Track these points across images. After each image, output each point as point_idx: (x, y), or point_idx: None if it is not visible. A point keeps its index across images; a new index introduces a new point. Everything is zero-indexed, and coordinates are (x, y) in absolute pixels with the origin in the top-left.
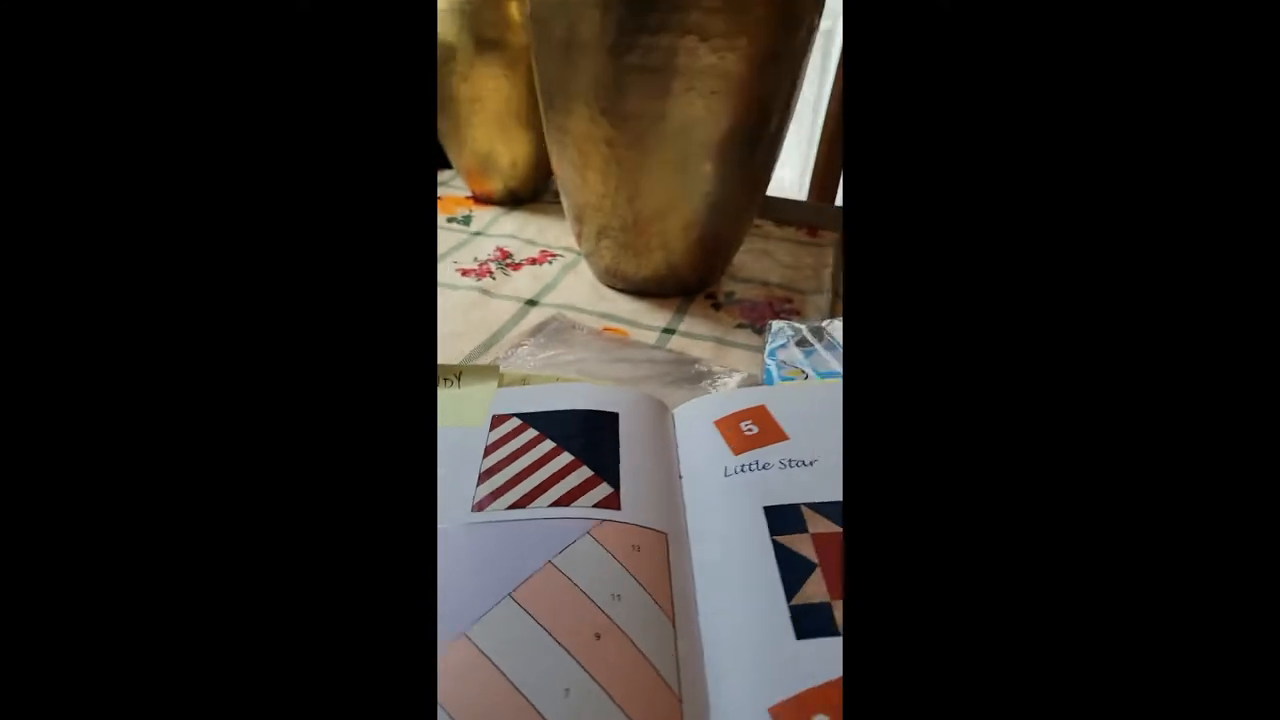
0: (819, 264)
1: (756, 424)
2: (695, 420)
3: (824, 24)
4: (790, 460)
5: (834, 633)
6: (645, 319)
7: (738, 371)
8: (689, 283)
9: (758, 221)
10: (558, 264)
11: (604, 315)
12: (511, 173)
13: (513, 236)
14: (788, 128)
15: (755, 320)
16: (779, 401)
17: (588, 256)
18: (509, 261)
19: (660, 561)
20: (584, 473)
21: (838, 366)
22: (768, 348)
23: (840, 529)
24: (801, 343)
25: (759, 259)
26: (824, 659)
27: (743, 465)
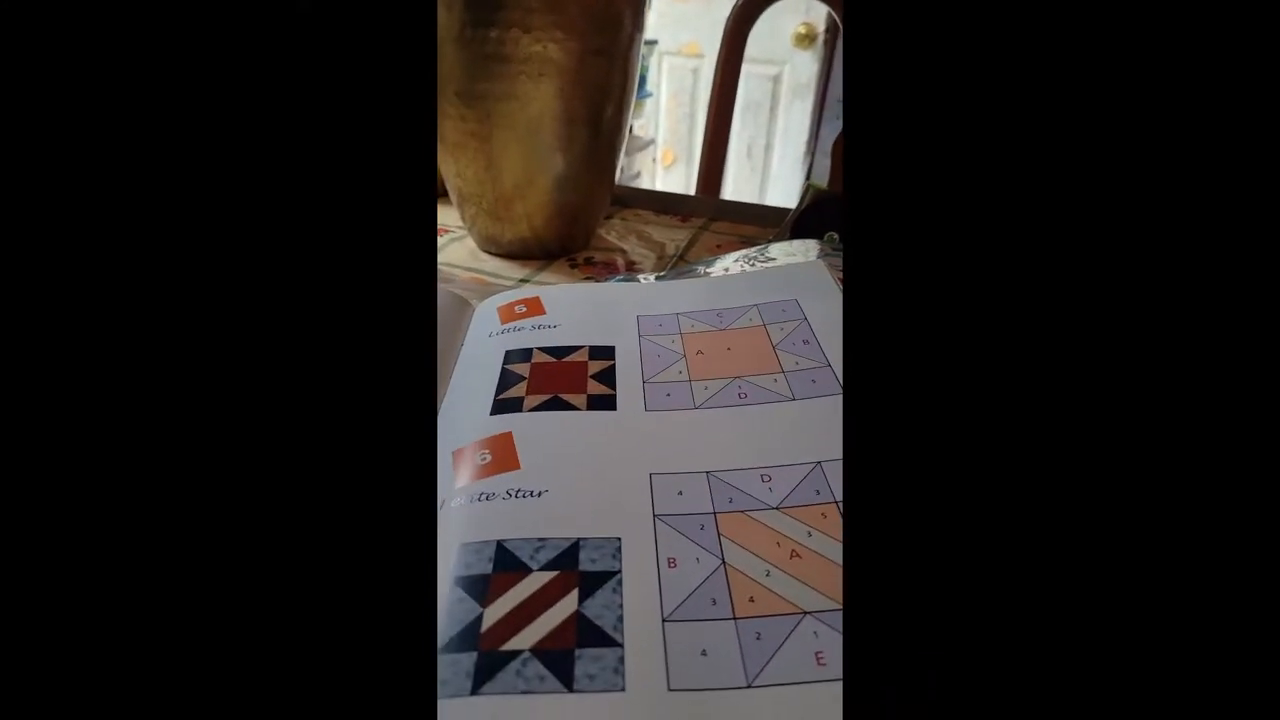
0: (674, 240)
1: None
2: (486, 311)
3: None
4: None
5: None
6: (508, 273)
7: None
8: (552, 248)
9: (668, 216)
10: (447, 238)
11: (474, 270)
12: None
13: None
14: (627, 118)
15: (599, 275)
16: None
17: (469, 230)
18: None
19: None
20: None
21: None
22: None
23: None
24: None
25: (626, 236)
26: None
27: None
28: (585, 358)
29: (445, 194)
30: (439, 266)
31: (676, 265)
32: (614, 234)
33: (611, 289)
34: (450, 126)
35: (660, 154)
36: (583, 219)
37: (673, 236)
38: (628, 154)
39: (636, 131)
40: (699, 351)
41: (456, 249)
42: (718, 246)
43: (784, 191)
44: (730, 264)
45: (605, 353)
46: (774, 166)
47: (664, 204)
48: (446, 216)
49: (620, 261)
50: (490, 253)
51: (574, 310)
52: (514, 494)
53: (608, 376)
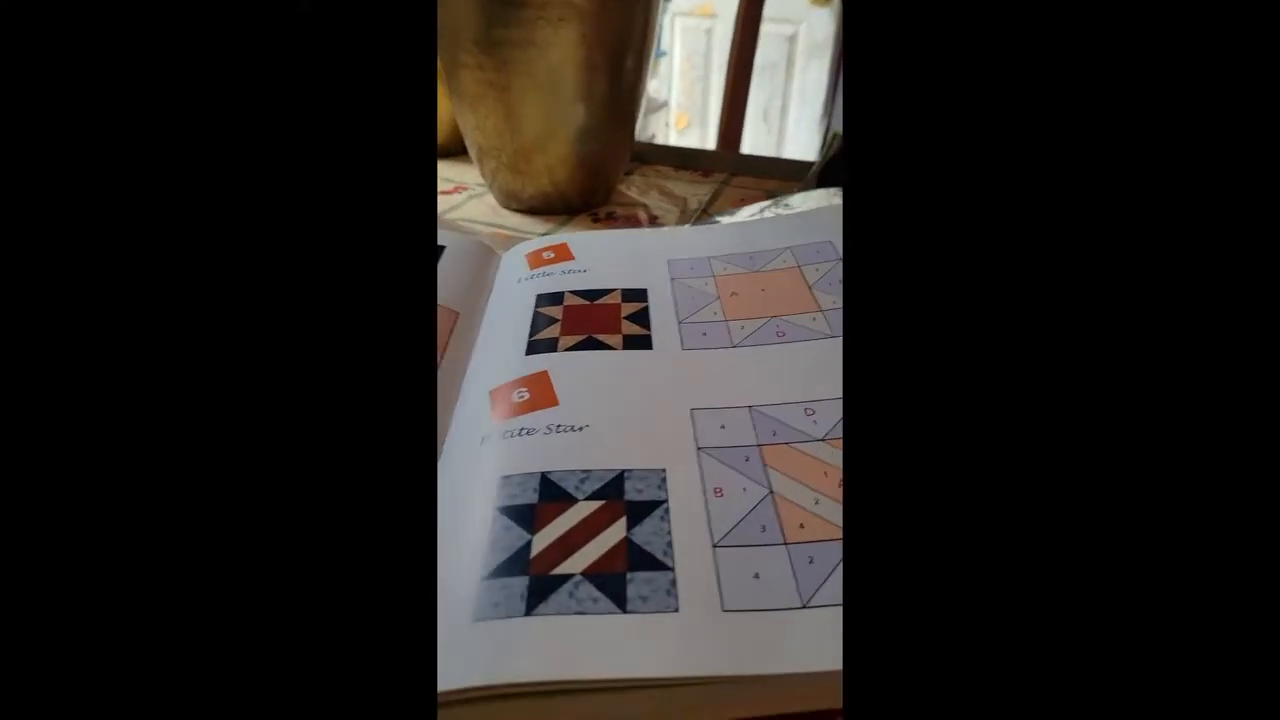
0: (696, 195)
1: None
2: (513, 259)
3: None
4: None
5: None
6: (529, 229)
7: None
8: (573, 202)
9: (687, 170)
10: (466, 195)
11: (495, 225)
12: (439, 127)
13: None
14: (648, 67)
15: (622, 229)
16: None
17: (489, 185)
18: None
19: (445, 326)
20: None
21: None
22: None
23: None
24: None
25: (647, 192)
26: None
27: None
28: (618, 300)
29: (464, 151)
30: (459, 223)
31: (700, 219)
32: (634, 190)
33: (640, 234)
34: (468, 77)
35: (674, 118)
36: (604, 172)
37: (695, 191)
38: (642, 115)
39: (651, 93)
40: (733, 293)
41: (477, 205)
42: (741, 200)
43: (801, 153)
44: (755, 215)
45: (638, 295)
46: (790, 129)
47: (684, 159)
48: (465, 174)
49: (643, 216)
50: (511, 208)
51: (603, 255)
52: (554, 429)
53: (641, 317)
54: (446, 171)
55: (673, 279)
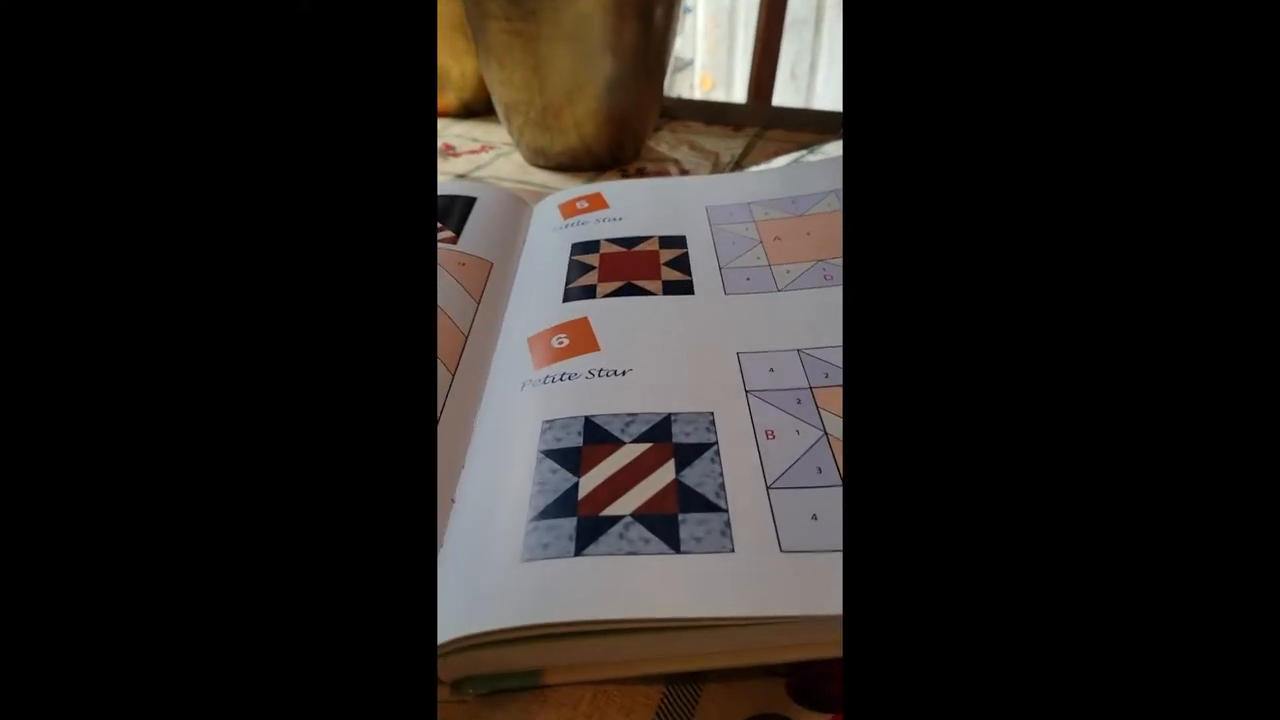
0: (729, 149)
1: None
2: (545, 209)
3: None
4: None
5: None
6: (558, 186)
7: None
8: (602, 158)
9: (720, 125)
10: (493, 154)
11: (524, 182)
12: (463, 84)
13: (459, 136)
14: (677, 17)
15: None
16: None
17: (516, 143)
18: (451, 151)
19: (480, 277)
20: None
21: None
22: None
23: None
24: None
25: (677, 147)
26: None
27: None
28: (656, 246)
29: (491, 110)
30: (490, 185)
31: (734, 172)
32: (664, 145)
33: (677, 182)
34: (494, 28)
35: (698, 79)
36: (633, 127)
37: (727, 146)
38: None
39: (676, 51)
40: (776, 238)
41: (504, 164)
42: (775, 154)
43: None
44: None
45: (676, 242)
46: (819, 87)
47: (714, 114)
48: (492, 133)
49: (674, 171)
50: (539, 166)
51: (638, 203)
52: (597, 373)
53: (681, 263)
54: (473, 131)
55: (712, 225)
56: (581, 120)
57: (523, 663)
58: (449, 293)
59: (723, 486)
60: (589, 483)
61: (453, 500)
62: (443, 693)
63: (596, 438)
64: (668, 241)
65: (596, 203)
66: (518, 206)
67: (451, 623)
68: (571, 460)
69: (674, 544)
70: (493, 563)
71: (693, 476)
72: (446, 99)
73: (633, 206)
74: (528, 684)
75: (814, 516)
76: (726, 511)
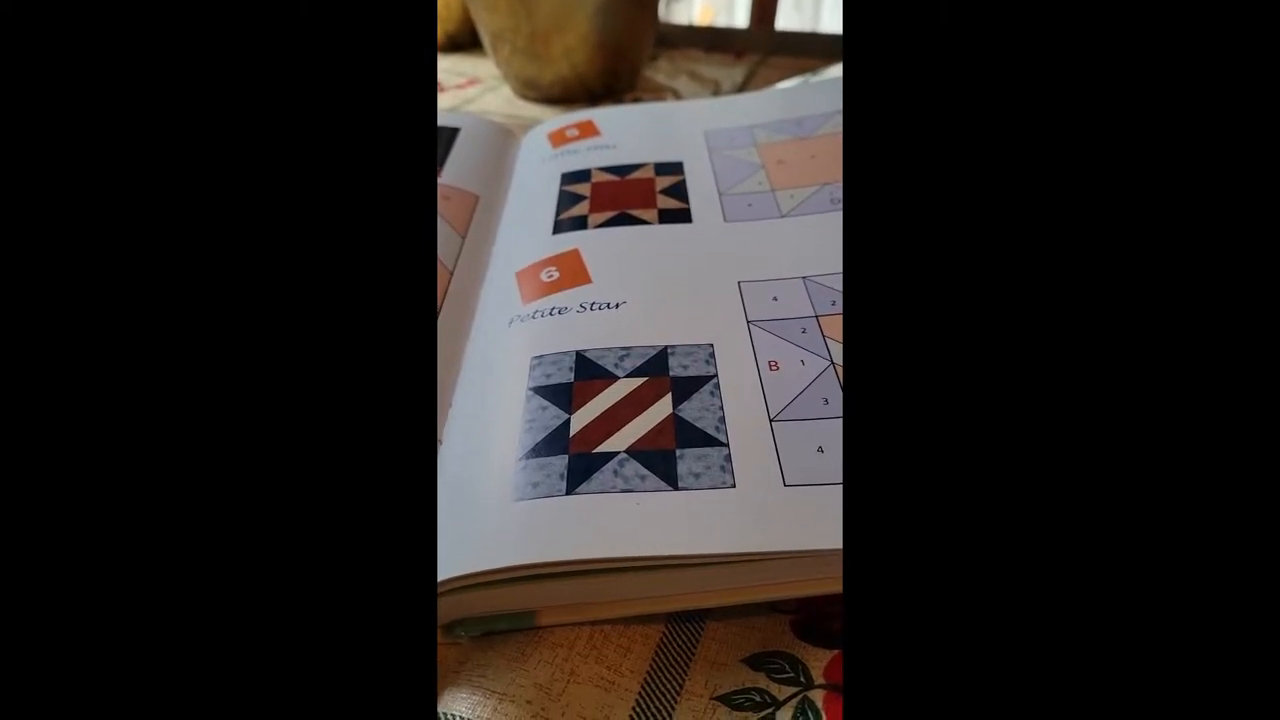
0: (730, 78)
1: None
2: (534, 139)
3: None
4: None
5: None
6: (549, 117)
7: None
8: (595, 89)
9: (715, 51)
10: (480, 88)
11: (513, 116)
12: (446, 14)
13: (445, 70)
14: None
15: None
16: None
17: (504, 75)
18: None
19: (465, 210)
20: None
21: None
22: None
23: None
24: None
25: (675, 76)
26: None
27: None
28: (651, 174)
29: (476, 42)
30: (474, 116)
31: (733, 95)
32: (662, 75)
33: (673, 107)
34: None
35: (697, 13)
36: (628, 55)
37: (728, 74)
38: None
39: None
40: (779, 161)
41: (492, 99)
42: (778, 81)
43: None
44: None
45: (673, 169)
46: (824, 17)
47: (714, 40)
48: (479, 66)
49: (672, 100)
50: (529, 98)
51: (632, 130)
52: (589, 307)
53: (678, 190)
54: (458, 65)
55: (710, 150)
56: (572, 47)
57: (516, 604)
58: (442, 232)
59: (723, 420)
60: (580, 419)
61: (441, 440)
62: None
63: (588, 373)
64: (663, 168)
65: (587, 130)
66: (505, 138)
67: (442, 564)
68: (562, 397)
69: (671, 480)
70: (483, 503)
71: (691, 410)
72: None
73: (626, 133)
74: (522, 625)
75: (820, 449)
76: (727, 446)
